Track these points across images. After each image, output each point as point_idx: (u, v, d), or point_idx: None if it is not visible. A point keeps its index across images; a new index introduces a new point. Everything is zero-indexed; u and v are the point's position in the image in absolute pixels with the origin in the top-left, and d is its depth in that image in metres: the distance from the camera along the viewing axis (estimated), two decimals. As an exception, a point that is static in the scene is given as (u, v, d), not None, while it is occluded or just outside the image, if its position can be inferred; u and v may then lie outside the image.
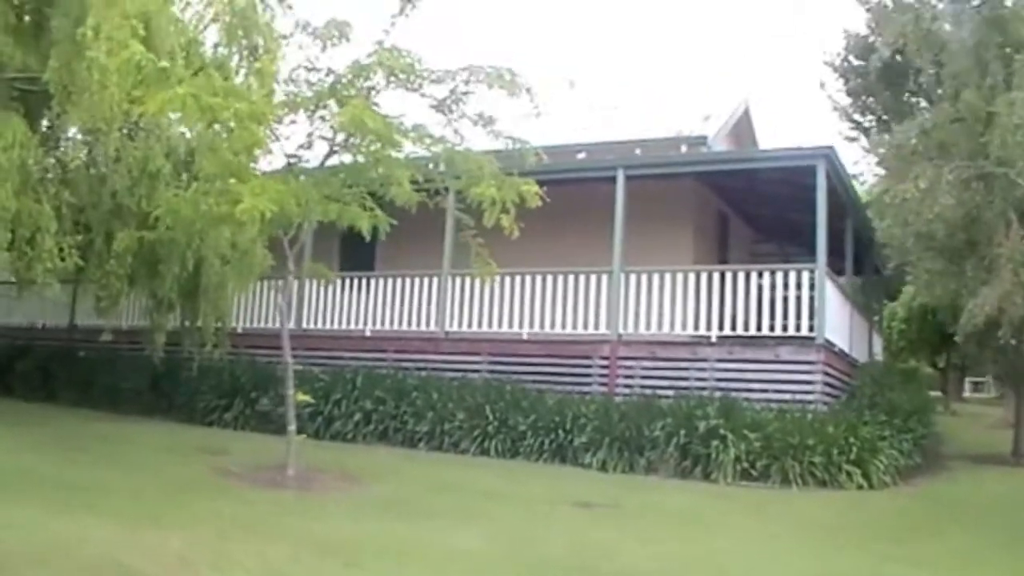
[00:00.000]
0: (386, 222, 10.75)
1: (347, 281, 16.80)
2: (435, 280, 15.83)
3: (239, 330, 16.68)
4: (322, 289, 16.73)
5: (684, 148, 17.20)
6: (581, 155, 17.02)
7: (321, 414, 14.66)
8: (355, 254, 17.39)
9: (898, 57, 17.66)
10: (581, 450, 13.12)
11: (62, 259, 12.27)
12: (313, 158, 11.37)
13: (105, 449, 12.27)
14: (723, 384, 13.76)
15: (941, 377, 31.66)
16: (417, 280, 16.04)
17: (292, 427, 11.03)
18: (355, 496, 10.16)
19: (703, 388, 13.78)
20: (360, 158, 11.03)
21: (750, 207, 19.48)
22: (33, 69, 12.47)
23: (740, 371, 13.86)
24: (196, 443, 13.37)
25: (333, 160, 11.26)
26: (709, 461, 12.37)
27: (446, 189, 11.20)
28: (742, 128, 20.57)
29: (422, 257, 16.08)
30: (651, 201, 15.66)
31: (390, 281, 16.29)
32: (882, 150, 14.16)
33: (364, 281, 16.61)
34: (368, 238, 10.64)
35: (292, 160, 11.26)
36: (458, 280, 15.74)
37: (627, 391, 14.19)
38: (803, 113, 52.36)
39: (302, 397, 11.62)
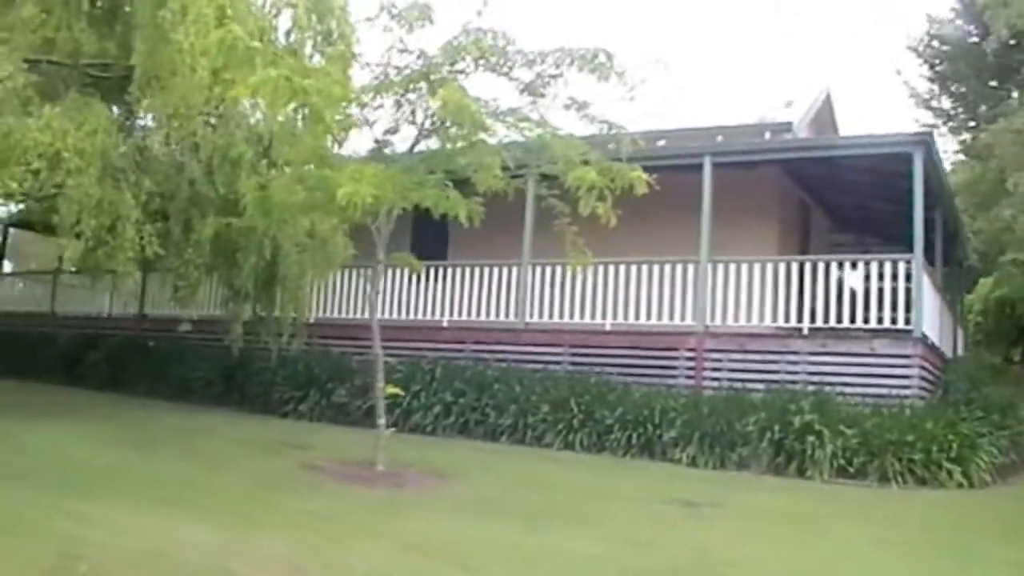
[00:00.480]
0: (480, 211, 10.32)
1: (433, 270, 16.44)
2: (515, 270, 15.40)
3: (310, 320, 16.32)
4: (396, 279, 16.38)
5: (768, 135, 16.68)
6: (661, 142, 16.51)
7: (399, 406, 14.30)
8: (426, 242, 17.00)
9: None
10: (670, 445, 12.68)
11: (142, 248, 11.98)
12: (396, 144, 11.05)
13: (184, 442, 12.05)
14: (815, 378, 13.24)
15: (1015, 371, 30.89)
16: (496, 269, 15.64)
17: (382, 421, 10.72)
18: (449, 494, 9.78)
19: (794, 382, 13.29)
20: (448, 144, 10.64)
21: (830, 196, 18.91)
22: (108, 55, 12.23)
23: (833, 364, 13.33)
24: (276, 436, 13.12)
25: (418, 146, 10.91)
26: (804, 457, 11.88)
27: (540, 176, 10.72)
28: (823, 116, 19.96)
29: (495, 246, 15.64)
30: (734, 189, 15.13)
31: (467, 270, 15.89)
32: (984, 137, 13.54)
33: (440, 270, 16.22)
34: (467, 225, 10.14)
35: (380, 144, 10.92)
36: (538, 269, 15.34)
37: (715, 384, 13.71)
38: (875, 100, 50.90)
39: (391, 390, 11.26)
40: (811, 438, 11.90)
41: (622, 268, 14.75)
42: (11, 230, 25.58)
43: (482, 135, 10.20)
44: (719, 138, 16.42)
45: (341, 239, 13.20)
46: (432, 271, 16.21)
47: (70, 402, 16.06)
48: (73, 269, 11.81)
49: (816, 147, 16.03)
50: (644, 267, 14.61)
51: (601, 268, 14.80)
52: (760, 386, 13.27)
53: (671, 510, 9.48)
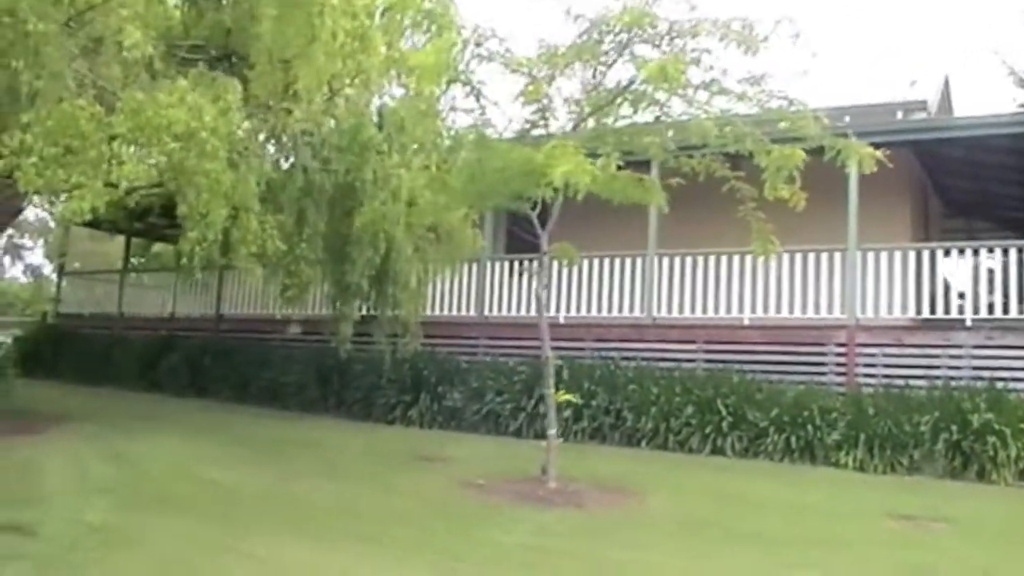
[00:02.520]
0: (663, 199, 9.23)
1: (526, 263, 15.36)
2: (639, 261, 14.27)
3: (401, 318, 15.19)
4: (504, 273, 15.31)
5: (900, 115, 15.56)
6: (782, 124, 15.34)
7: (523, 410, 13.27)
8: (522, 235, 15.89)
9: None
10: (833, 448, 11.59)
11: (263, 242, 10.88)
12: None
13: (311, 457, 11.07)
14: (981, 373, 12.10)
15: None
16: (617, 261, 14.52)
17: (553, 431, 9.68)
18: (640, 513, 8.68)
19: (957, 378, 12.17)
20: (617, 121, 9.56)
21: (947, 179, 17.77)
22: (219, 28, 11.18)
23: (1002, 359, 12.19)
24: (401, 446, 12.18)
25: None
26: (983, 460, 10.82)
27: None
28: (943, 96, 18.84)
29: (598, 238, 14.42)
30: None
31: (586, 263, 14.76)
32: None
33: (550, 264, 15.07)
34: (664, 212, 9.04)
35: (534, 124, 9.83)
36: (665, 260, 14.24)
37: (870, 382, 12.59)
38: (978, 81, 48.57)
39: (564, 396, 10.20)
40: (991, 439, 10.81)
41: (761, 259, 13.60)
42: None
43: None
44: (846, 117, 15.26)
45: (470, 231, 12.04)
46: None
47: (158, 411, 15.06)
48: (195, 267, 10.47)
49: (955, 127, 14.81)
50: (785, 256, 13.45)
51: (737, 258, 13.73)
52: (921, 383, 12.14)
53: (899, 527, 8.36)
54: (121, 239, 23.89)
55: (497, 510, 8.45)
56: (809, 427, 11.78)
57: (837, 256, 13.21)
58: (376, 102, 12.69)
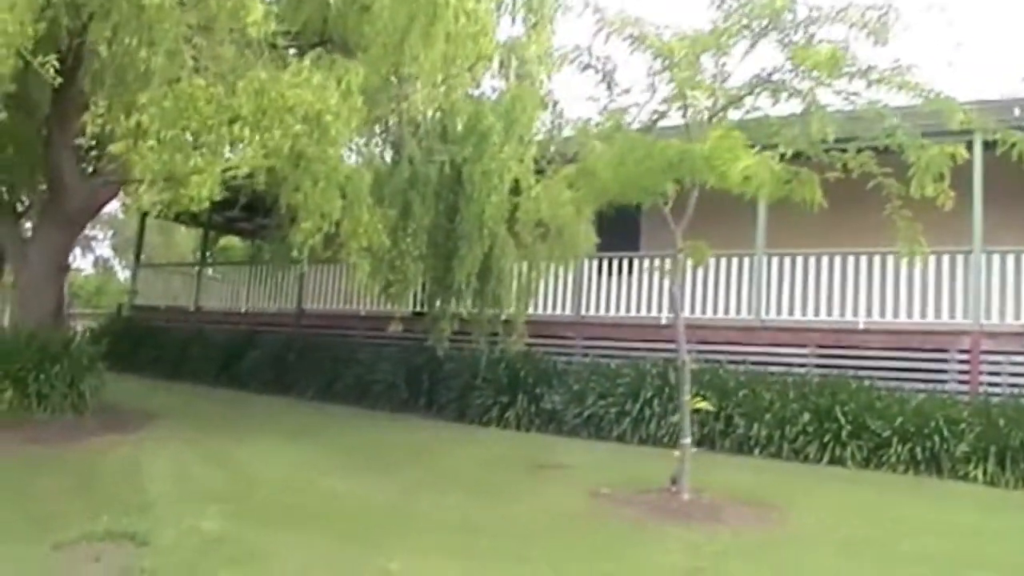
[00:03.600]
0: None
1: (625, 262, 14.84)
2: (746, 260, 13.69)
3: (503, 317, 14.70)
4: (603, 271, 14.79)
5: (1017, 111, 14.82)
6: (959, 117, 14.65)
7: (628, 415, 12.76)
8: (615, 233, 15.35)
9: None
10: (961, 460, 10.97)
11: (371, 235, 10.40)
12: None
13: (427, 467, 10.50)
14: (1117, 382, 11.50)
15: None
16: (724, 261, 13.94)
17: (687, 440, 9.14)
18: (789, 531, 8.08)
19: (1089, 387, 11.57)
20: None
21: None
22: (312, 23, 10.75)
23: None
24: (515, 453, 11.68)
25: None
26: None
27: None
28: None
29: (697, 237, 13.83)
30: (991, 170, 13.33)
31: (688, 263, 14.19)
32: None
33: (652, 262, 14.51)
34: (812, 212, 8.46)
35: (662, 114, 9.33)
36: (775, 260, 13.67)
37: (995, 390, 11.96)
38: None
39: (700, 404, 9.67)
40: None
41: (876, 259, 13.03)
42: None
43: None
44: (1016, 111, 14.52)
45: (584, 227, 11.49)
46: (645, 263, 14.58)
47: (247, 409, 14.70)
48: (307, 259, 10.03)
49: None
50: (904, 259, 12.84)
51: (852, 259, 13.14)
52: (1052, 391, 11.56)
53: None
54: (188, 232, 23.59)
55: (639, 525, 7.96)
56: (936, 438, 11.17)
57: (960, 258, 12.58)
58: (484, 90, 12.19)
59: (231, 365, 17.82)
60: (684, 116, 9.30)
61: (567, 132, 10.40)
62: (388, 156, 11.17)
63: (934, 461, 11.16)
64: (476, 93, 12.09)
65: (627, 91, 9.18)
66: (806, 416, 11.87)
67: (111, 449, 10.23)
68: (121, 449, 10.24)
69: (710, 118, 9.26)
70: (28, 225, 16.60)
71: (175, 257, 27.02)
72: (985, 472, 10.82)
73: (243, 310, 19.79)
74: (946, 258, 12.62)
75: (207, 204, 8.58)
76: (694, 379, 12.51)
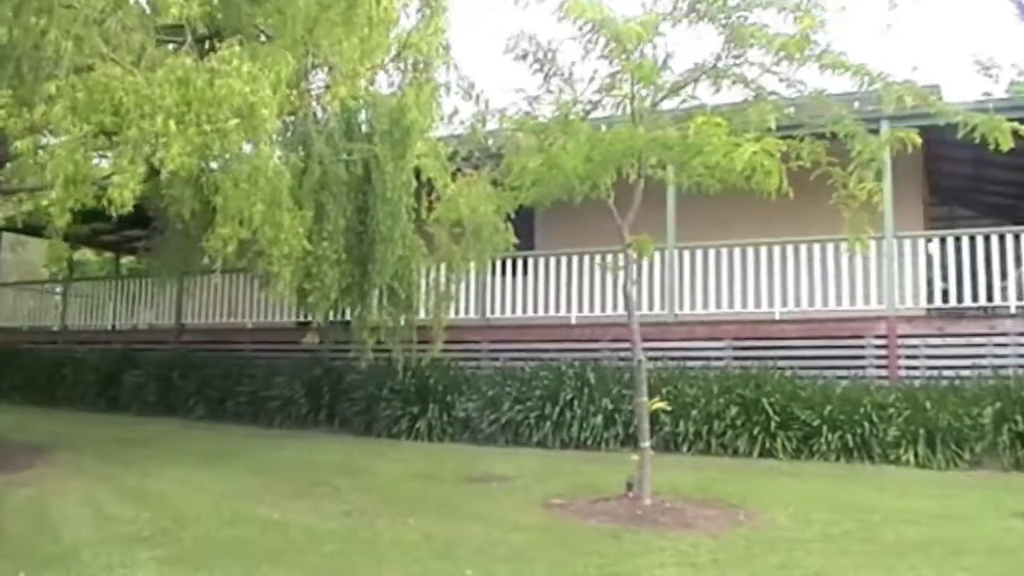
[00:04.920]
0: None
1: (529, 261, 14.39)
2: (658, 255, 13.35)
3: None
4: (508, 272, 14.31)
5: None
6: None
7: (548, 419, 12.34)
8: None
9: None
10: (892, 445, 11.01)
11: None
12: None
13: (358, 487, 9.72)
14: (1028, 360, 11.65)
15: None
16: (634, 256, 13.58)
17: (646, 443, 8.80)
18: (768, 531, 7.70)
19: (1003, 367, 11.68)
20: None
21: (940, 165, 17.31)
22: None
23: (1049, 345, 11.74)
24: (444, 467, 11.08)
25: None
26: (1052, 448, 10.31)
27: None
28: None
29: (590, 231, 13.44)
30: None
31: (596, 259, 13.87)
32: None
33: (564, 260, 14.15)
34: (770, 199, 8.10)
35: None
36: (686, 254, 13.43)
37: (913, 374, 12.01)
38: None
39: (657, 405, 9.30)
40: (1058, 426, 10.35)
41: (790, 248, 12.94)
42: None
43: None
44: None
45: (502, 224, 10.96)
46: (552, 261, 14.18)
47: (139, 435, 13.62)
48: (215, 269, 9.24)
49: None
50: (817, 247, 12.81)
51: (764, 249, 13.02)
52: (966, 373, 11.63)
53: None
54: (40, 246, 22.03)
55: (614, 536, 7.49)
56: (865, 424, 11.18)
57: (873, 244, 12.54)
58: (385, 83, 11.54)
59: (109, 387, 16.72)
60: (621, 106, 8.91)
61: (492, 125, 9.83)
62: (298, 154, 10.29)
63: (864, 447, 11.16)
64: (386, 85, 11.44)
65: (568, 79, 8.73)
66: (733, 410, 11.70)
67: (6, 491, 9.22)
68: (20, 491, 9.24)
69: (653, 106, 8.92)
70: None
71: (25, 275, 25.32)
72: (916, 455, 10.89)
73: (115, 327, 18.63)
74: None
75: (128, 208, 7.68)
76: (613, 378, 12.30)
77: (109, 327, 18.90)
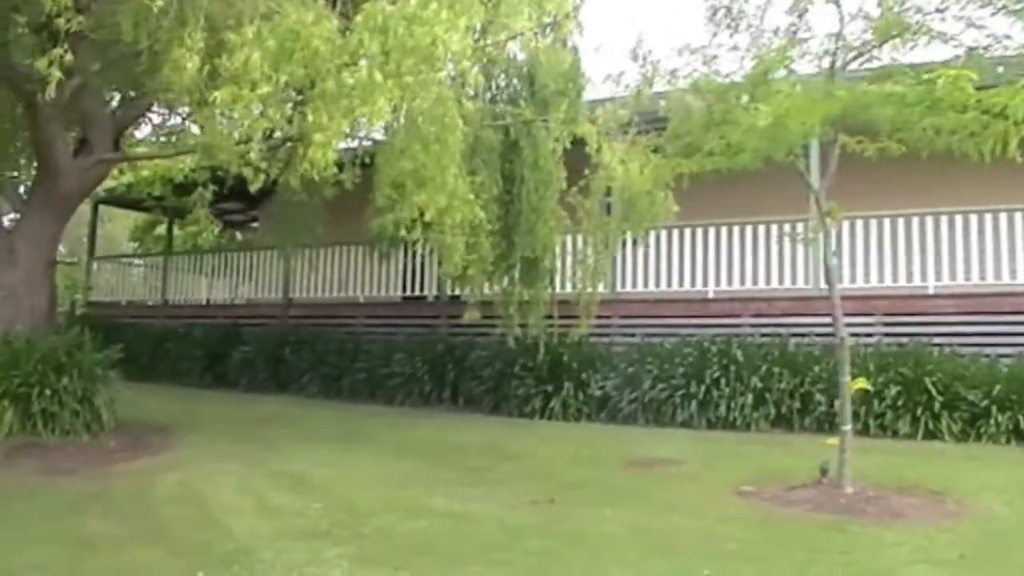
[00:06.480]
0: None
1: (662, 233, 13.72)
2: (800, 227, 12.71)
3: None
4: (628, 244, 13.59)
5: None
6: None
7: (693, 397, 11.81)
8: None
9: None
10: (1068, 429, 10.36)
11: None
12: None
13: (522, 473, 9.27)
14: None
15: None
16: (775, 228, 13.00)
17: (847, 427, 8.21)
18: (989, 523, 7.16)
19: None
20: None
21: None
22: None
23: None
24: (603, 449, 10.57)
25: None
26: None
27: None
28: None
29: (743, 201, 12.89)
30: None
31: (737, 230, 13.28)
32: None
33: (700, 232, 13.53)
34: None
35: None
36: (844, 225, 12.77)
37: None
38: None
39: (859, 384, 8.75)
40: None
41: (944, 219, 12.28)
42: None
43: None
44: None
45: (660, 192, 10.36)
46: (688, 233, 13.56)
47: (266, 414, 13.17)
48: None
49: None
50: (973, 217, 12.13)
51: (917, 220, 12.36)
52: None
53: None
54: (125, 220, 21.79)
55: (838, 529, 6.94)
56: (1043, 405, 10.52)
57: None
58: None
59: (216, 363, 16.37)
60: (816, 63, 8.31)
61: (659, 87, 9.23)
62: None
63: (1036, 430, 10.50)
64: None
65: (757, 36, 8.16)
66: (893, 389, 11.06)
67: (154, 477, 8.75)
68: (167, 477, 8.77)
69: (843, 66, 8.31)
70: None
71: (108, 249, 25.06)
72: (1100, 439, 10.25)
73: (218, 302, 18.27)
74: (1018, 216, 11.92)
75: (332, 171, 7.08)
76: (760, 355, 11.72)
77: (211, 301, 18.55)
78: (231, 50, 6.64)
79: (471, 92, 9.37)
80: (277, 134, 7.34)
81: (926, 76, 6.95)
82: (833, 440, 8.34)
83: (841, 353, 8.38)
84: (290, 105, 7.14)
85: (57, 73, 7.04)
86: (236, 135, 8.17)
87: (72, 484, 8.51)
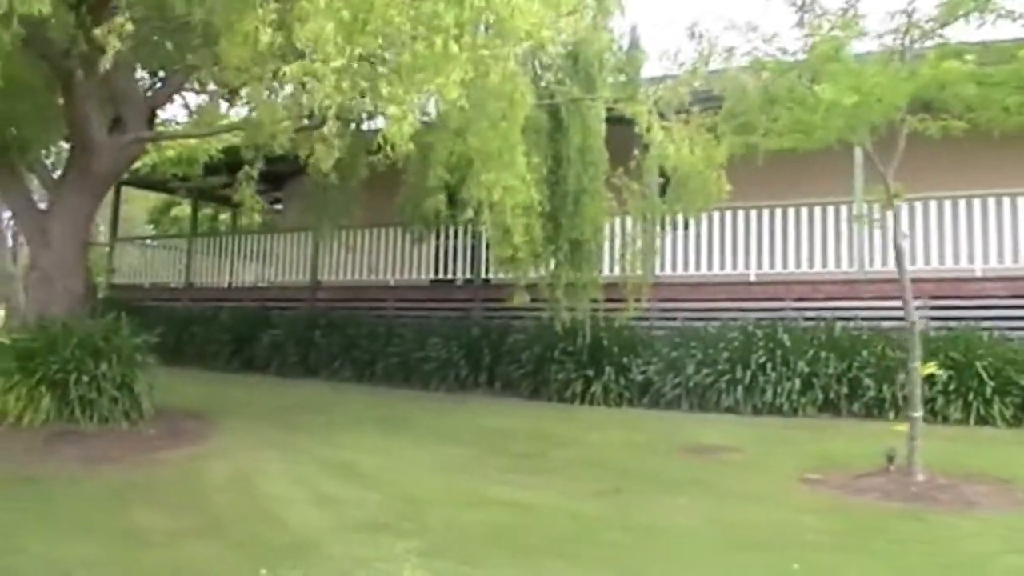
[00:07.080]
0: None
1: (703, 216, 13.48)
2: (843, 209, 12.51)
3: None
4: (668, 227, 13.36)
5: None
6: None
7: (739, 382, 11.61)
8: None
9: None
10: None
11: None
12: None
13: (576, 461, 9.07)
14: None
15: None
16: (818, 210, 12.78)
17: (918, 413, 8.02)
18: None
19: None
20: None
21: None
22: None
23: None
24: (655, 436, 10.40)
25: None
26: None
27: None
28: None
29: (787, 183, 12.68)
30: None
31: (779, 213, 13.04)
32: None
33: (742, 214, 13.28)
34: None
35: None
36: (875, 208, 12.56)
37: None
38: None
39: (930, 369, 8.55)
40: None
41: (991, 201, 12.04)
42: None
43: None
44: None
45: (714, 172, 10.11)
46: (730, 215, 13.32)
47: (301, 399, 13.04)
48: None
49: None
50: (1021, 199, 11.90)
51: (964, 203, 12.13)
52: None
53: None
54: (143, 201, 21.53)
55: (916, 518, 6.77)
56: (1104, 391, 10.36)
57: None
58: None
59: (244, 347, 16.17)
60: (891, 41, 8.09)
61: (715, 65, 8.99)
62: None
63: (1102, 417, 10.33)
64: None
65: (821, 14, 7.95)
66: (943, 374, 10.85)
67: (199, 465, 8.55)
68: (213, 466, 8.55)
69: (911, 44, 8.09)
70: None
71: (126, 231, 24.85)
72: None
73: (244, 284, 18.08)
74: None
75: (407, 146, 6.79)
76: (806, 340, 11.54)
77: (237, 284, 18.35)
78: (303, 20, 6.36)
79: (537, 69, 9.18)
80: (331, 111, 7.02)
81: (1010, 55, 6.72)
82: (901, 426, 8.17)
83: (913, 338, 8.20)
84: (362, 79, 6.82)
85: (116, 43, 6.78)
86: (284, 112, 7.93)
87: (116, 473, 8.25)
